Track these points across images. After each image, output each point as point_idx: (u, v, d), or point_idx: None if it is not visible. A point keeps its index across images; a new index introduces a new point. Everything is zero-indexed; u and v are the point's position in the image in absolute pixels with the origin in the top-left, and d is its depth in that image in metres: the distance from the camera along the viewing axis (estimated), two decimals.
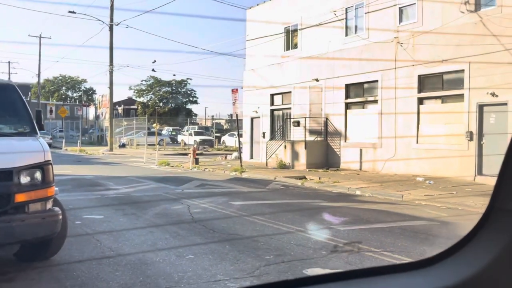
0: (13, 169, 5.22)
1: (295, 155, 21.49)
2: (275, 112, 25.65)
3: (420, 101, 17.89)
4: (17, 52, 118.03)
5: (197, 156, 24.32)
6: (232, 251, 6.78)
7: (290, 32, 24.55)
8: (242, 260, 6.33)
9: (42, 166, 5.49)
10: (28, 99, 71.45)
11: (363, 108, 20.55)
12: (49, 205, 5.58)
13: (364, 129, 20.07)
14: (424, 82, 17.80)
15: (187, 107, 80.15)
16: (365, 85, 20.33)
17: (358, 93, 20.71)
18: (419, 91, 17.84)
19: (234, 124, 47.63)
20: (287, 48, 24.74)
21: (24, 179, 5.32)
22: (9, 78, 57.49)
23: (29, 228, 5.27)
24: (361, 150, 20.08)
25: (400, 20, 18.59)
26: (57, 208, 5.66)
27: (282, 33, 24.77)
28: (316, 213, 10.24)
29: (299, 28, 23.75)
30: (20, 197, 5.26)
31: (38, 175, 5.44)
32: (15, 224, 5.14)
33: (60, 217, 5.60)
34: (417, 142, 17.86)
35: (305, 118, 22.41)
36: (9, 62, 66.84)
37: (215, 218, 9.46)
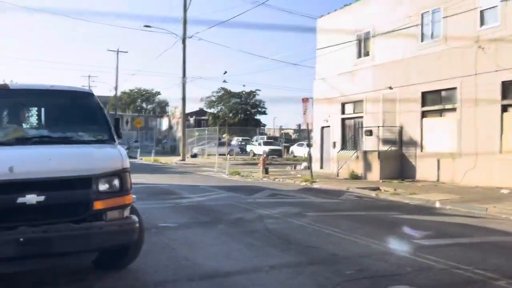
0: (92, 176, 5.23)
1: (367, 166, 20.86)
2: (346, 121, 25.09)
3: (504, 108, 16.80)
4: (96, 66, 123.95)
5: (266, 166, 24.21)
6: (310, 265, 6.48)
7: (362, 40, 23.98)
8: (321, 274, 6.02)
9: (120, 174, 5.47)
10: (106, 110, 74.62)
11: (441, 116, 19.62)
12: (126, 212, 5.55)
13: (442, 138, 19.14)
14: (508, 88, 16.71)
15: (256, 117, 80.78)
16: (443, 93, 19.41)
17: (435, 101, 19.81)
18: (503, 98, 16.77)
19: (302, 134, 47.33)
20: (359, 56, 24.18)
21: (103, 187, 5.32)
22: None
23: (107, 235, 5.24)
24: (438, 161, 19.15)
25: (481, 23, 17.61)
26: (134, 216, 5.62)
27: (354, 40, 24.25)
28: (395, 226, 9.72)
29: (371, 36, 23.16)
30: (98, 205, 5.25)
31: (116, 182, 5.42)
32: (94, 232, 5.13)
33: (137, 225, 5.55)
34: (500, 152, 16.77)
35: (378, 127, 21.74)
36: (89, 76, 70.22)
37: (289, 228, 9.20)
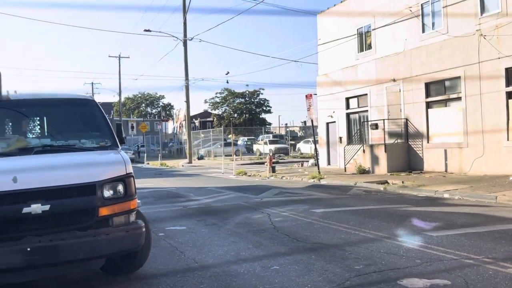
0: (96, 183, 5.21)
1: (374, 159, 20.78)
2: (351, 116, 25.03)
3: (509, 95, 16.67)
4: (99, 72, 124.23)
5: (273, 165, 24.18)
6: (319, 261, 6.45)
7: (363, 33, 23.92)
8: (330, 270, 5.99)
9: (124, 179, 5.45)
10: (111, 117, 74.92)
11: (446, 106, 19.51)
12: (132, 217, 5.53)
13: (448, 128, 19.04)
14: None
15: (261, 116, 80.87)
16: (447, 83, 19.31)
17: (439, 91, 19.71)
18: (507, 85, 16.64)
19: (308, 130, 47.19)
20: (361, 50, 24.10)
21: (107, 193, 5.30)
22: None
23: (113, 241, 5.22)
24: (445, 151, 19.05)
25: (482, 11, 17.50)
26: (140, 221, 5.60)
27: (355, 35, 24.18)
28: (404, 218, 9.67)
29: (372, 29, 23.08)
30: (103, 211, 5.23)
31: (120, 188, 5.41)
32: (100, 238, 5.11)
33: (144, 229, 5.54)
34: (507, 139, 16.65)
35: (383, 120, 21.65)
36: (92, 83, 70.38)
37: (297, 226, 9.17)
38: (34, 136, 6.30)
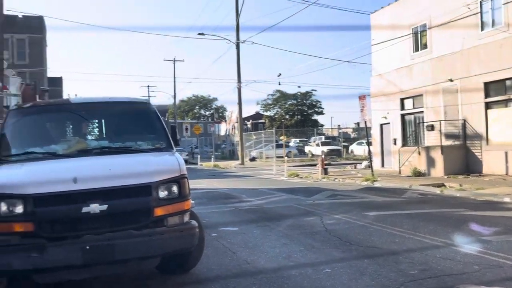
0: (151, 184, 5.33)
1: (430, 162, 20.24)
2: (406, 117, 24.47)
3: None
4: (155, 76, 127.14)
5: (325, 166, 23.98)
6: (372, 265, 6.35)
7: (418, 33, 23.36)
8: (384, 275, 5.88)
9: (178, 180, 5.55)
10: (166, 119, 76.61)
11: (506, 106, 18.75)
12: (186, 218, 5.63)
13: (509, 129, 18.28)
14: None
15: (312, 118, 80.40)
16: (507, 82, 18.55)
17: (499, 91, 18.96)
18: None
19: (362, 132, 46.55)
20: (416, 50, 23.56)
21: (162, 194, 5.41)
22: None
23: (168, 241, 5.32)
24: (506, 153, 18.30)
25: None
26: (194, 221, 5.68)
27: (410, 34, 23.65)
28: (461, 223, 9.37)
29: (427, 28, 22.51)
30: (159, 211, 5.35)
31: (175, 189, 5.51)
32: (155, 238, 5.22)
33: (197, 230, 5.62)
34: None
35: (439, 121, 21.05)
36: (148, 86, 72.19)
37: (350, 229, 9.07)
38: (93, 138, 6.56)
